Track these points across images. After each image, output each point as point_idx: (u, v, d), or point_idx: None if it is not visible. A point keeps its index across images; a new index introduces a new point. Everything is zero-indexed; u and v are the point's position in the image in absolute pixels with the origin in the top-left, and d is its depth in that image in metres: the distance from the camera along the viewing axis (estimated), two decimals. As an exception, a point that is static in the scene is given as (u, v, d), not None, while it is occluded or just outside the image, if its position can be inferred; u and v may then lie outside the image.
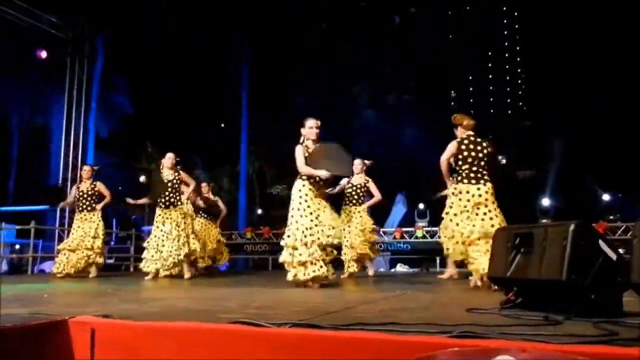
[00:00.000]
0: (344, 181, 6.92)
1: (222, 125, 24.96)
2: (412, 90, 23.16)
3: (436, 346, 1.62)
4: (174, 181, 6.56)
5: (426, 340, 1.71)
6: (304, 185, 4.68)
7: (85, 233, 7.12)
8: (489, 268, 3.18)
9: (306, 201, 4.65)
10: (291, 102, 22.96)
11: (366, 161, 7.09)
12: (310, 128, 4.90)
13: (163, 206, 6.50)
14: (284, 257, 4.65)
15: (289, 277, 4.58)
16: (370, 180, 6.92)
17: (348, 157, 5.01)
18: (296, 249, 4.54)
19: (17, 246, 13.09)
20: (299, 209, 4.63)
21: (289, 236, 4.60)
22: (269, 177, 24.25)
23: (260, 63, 21.82)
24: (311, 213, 4.61)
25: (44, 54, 11.56)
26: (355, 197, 6.86)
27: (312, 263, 4.50)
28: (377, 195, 6.90)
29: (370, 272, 7.01)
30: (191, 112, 22.78)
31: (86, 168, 7.65)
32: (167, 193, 6.49)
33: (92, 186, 7.33)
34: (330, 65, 22.20)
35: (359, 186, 6.88)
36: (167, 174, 6.57)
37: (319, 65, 22.21)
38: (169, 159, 6.60)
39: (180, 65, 21.36)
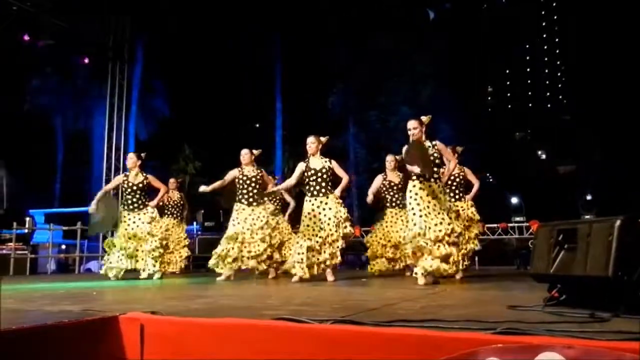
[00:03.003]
0: (378, 180, 6.72)
1: (257, 125, 25.26)
2: (448, 86, 22.84)
3: (479, 342, 1.61)
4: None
5: (469, 337, 1.70)
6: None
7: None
8: (532, 265, 3.13)
9: None
10: (326, 101, 23.03)
11: (397, 157, 6.75)
12: (307, 145, 5.66)
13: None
14: None
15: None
16: (402, 174, 6.64)
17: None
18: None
19: (64, 246, 13.61)
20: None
21: None
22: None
23: (294, 62, 21.97)
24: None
25: (86, 60, 11.98)
26: (396, 197, 6.67)
27: None
28: None
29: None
30: (226, 113, 23.14)
31: (130, 156, 6.65)
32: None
33: (144, 178, 6.49)
34: (364, 62, 22.14)
35: (398, 184, 6.68)
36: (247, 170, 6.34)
37: (353, 63, 22.18)
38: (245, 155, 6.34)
39: (215, 68, 21.73)
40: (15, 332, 1.85)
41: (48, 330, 1.97)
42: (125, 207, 6.47)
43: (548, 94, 50.67)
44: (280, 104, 22.14)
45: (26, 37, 10.41)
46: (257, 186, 6.25)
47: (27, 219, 10.42)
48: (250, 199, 6.19)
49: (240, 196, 6.23)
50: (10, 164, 21.11)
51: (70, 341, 2.03)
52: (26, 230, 9.90)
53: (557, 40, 51.79)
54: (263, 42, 21.53)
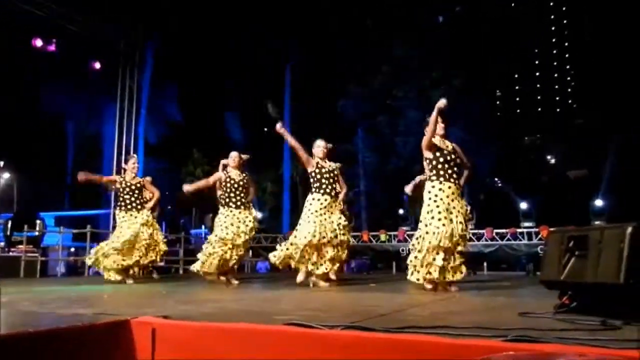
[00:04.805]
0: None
1: (265, 129, 25.38)
2: (457, 90, 22.82)
3: (490, 350, 1.62)
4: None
5: (480, 344, 1.71)
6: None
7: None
8: (542, 271, 3.12)
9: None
10: (334, 105, 23.07)
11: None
12: (317, 147, 5.66)
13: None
14: None
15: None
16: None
17: None
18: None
19: (73, 249, 13.71)
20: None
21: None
22: (313, 180, 24.39)
23: (303, 66, 22.05)
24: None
25: (97, 65, 12.09)
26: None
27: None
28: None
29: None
30: (235, 116, 23.26)
31: (134, 158, 7.01)
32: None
33: (140, 179, 6.72)
34: (373, 66, 22.16)
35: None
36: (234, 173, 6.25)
37: (362, 67, 22.21)
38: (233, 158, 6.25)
39: (225, 71, 21.86)
40: (31, 335, 1.88)
41: (63, 334, 2.00)
42: (123, 207, 6.51)
43: (558, 98, 50.38)
44: (289, 109, 22.23)
45: (38, 42, 10.52)
46: (244, 190, 6.18)
47: (38, 221, 10.49)
48: (238, 202, 6.10)
49: (227, 199, 6.12)
50: (22, 167, 21.36)
51: (83, 344, 2.06)
52: (37, 233, 9.98)
53: (566, 44, 51.53)
54: (273, 45, 21.62)
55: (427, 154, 4.82)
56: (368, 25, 21.24)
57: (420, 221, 4.72)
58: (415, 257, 4.64)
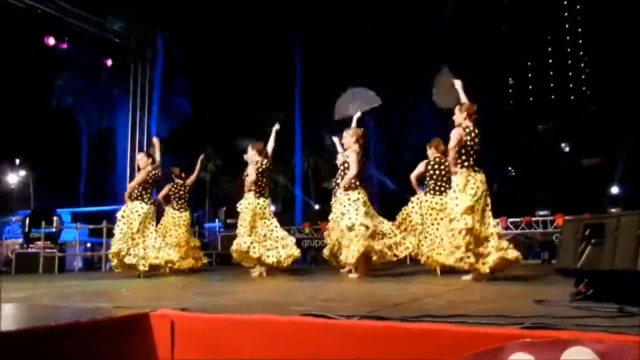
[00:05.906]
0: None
1: (277, 122, 25.38)
2: (469, 80, 22.68)
3: (507, 337, 1.62)
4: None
5: (497, 332, 1.71)
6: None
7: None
8: (557, 259, 3.11)
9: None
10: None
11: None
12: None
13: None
14: None
15: None
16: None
17: None
18: None
19: (89, 244, 13.87)
20: None
21: None
22: (324, 172, 24.42)
23: (314, 59, 21.99)
24: None
25: (109, 62, 12.17)
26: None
27: None
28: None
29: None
30: (246, 110, 23.30)
31: (142, 156, 6.80)
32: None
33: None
34: (384, 59, 22.05)
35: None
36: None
37: (373, 60, 22.10)
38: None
39: (235, 66, 21.88)
40: (52, 328, 1.92)
41: (83, 327, 2.03)
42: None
43: (572, 85, 49.71)
44: (300, 100, 22.21)
45: (51, 40, 10.60)
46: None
47: (55, 218, 10.63)
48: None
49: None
50: (37, 164, 21.64)
51: (104, 337, 2.09)
52: (54, 229, 10.11)
53: (580, 30, 50.72)
54: (283, 38, 21.60)
55: None
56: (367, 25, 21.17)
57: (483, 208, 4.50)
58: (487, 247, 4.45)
